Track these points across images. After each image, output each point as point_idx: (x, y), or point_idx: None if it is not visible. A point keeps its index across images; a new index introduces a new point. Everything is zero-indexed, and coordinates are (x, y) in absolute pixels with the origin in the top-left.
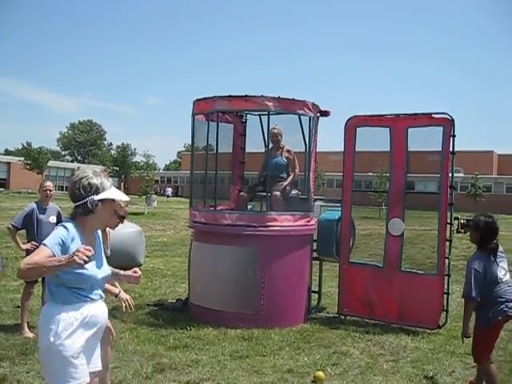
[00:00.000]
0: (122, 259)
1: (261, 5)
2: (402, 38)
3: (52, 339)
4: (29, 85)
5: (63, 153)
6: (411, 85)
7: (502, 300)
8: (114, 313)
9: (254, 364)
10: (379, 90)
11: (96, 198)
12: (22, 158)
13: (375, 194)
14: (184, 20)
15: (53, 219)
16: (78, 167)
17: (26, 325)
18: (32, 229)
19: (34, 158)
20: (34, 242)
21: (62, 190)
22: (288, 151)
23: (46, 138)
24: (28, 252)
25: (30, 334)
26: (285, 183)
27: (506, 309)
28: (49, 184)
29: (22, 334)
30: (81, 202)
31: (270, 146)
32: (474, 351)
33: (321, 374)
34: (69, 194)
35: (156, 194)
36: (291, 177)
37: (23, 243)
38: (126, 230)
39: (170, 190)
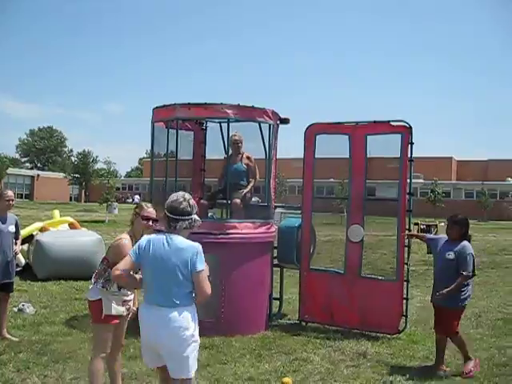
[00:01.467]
0: (81, 267)
1: (215, 12)
2: (361, 43)
3: (195, 333)
4: None
5: (23, 160)
6: (371, 91)
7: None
8: (71, 323)
9: (215, 372)
10: (339, 97)
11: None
12: None
13: (336, 201)
14: (143, 27)
15: (12, 228)
16: (38, 175)
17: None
18: None
19: None
20: None
21: (22, 197)
22: (248, 158)
23: (5, 145)
24: None
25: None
26: (245, 190)
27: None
28: (11, 194)
29: None
30: (187, 218)
31: (230, 152)
32: (451, 326)
33: (288, 379)
34: (173, 209)
35: (117, 201)
36: (251, 184)
37: None
38: (86, 238)
39: (137, 197)
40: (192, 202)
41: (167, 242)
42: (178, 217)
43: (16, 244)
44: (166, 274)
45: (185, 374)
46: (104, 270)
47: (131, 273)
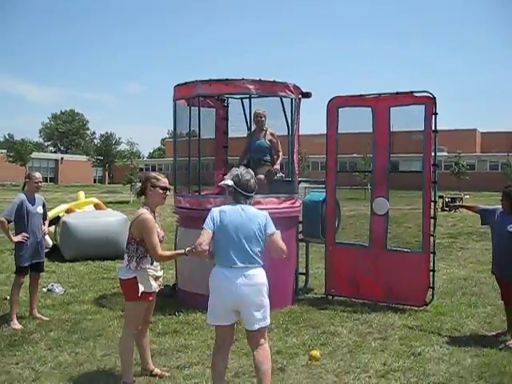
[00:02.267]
0: (107, 247)
1: None
2: (385, 18)
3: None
4: (6, 76)
5: (46, 144)
6: (394, 65)
7: None
8: (100, 301)
9: (243, 346)
10: (362, 71)
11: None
12: (5, 151)
13: (360, 175)
14: (164, 9)
15: (40, 209)
16: (62, 158)
17: (15, 316)
18: (22, 220)
19: (17, 150)
20: (24, 234)
21: (47, 181)
22: (271, 134)
23: (28, 130)
24: (19, 244)
25: (18, 326)
26: (275, 166)
27: None
28: (39, 176)
29: (10, 325)
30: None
31: (254, 128)
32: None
33: (316, 352)
34: (251, 185)
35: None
36: (279, 159)
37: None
38: (112, 219)
39: None
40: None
41: (242, 210)
42: (250, 194)
43: (44, 225)
44: (245, 238)
45: (266, 322)
46: (135, 250)
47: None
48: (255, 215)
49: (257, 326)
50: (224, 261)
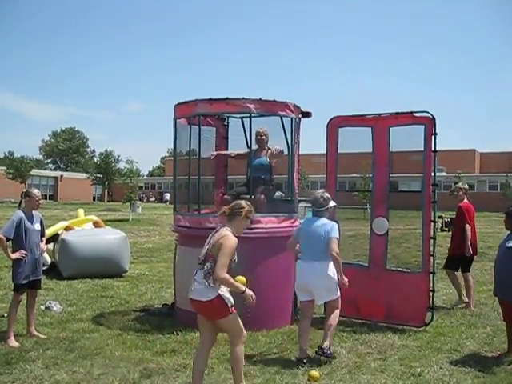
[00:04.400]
0: (106, 265)
1: (238, 3)
2: (388, 37)
3: (334, 273)
4: (5, 93)
5: (46, 161)
6: (394, 84)
7: None
8: (98, 320)
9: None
10: (361, 89)
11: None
12: (5, 168)
13: (359, 195)
14: (163, 23)
15: (38, 227)
16: (61, 175)
17: (12, 334)
18: (20, 238)
19: (17, 168)
20: (23, 251)
21: (46, 198)
22: (272, 154)
23: (28, 147)
24: (17, 262)
25: (15, 344)
26: (276, 147)
27: None
28: (39, 193)
29: (7, 343)
30: (325, 208)
31: (255, 147)
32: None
33: (315, 373)
34: (317, 204)
35: (140, 200)
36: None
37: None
38: (110, 237)
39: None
40: (326, 195)
41: (318, 220)
42: (320, 209)
43: (42, 241)
44: (317, 240)
45: (336, 295)
46: (212, 268)
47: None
48: (325, 224)
49: (327, 299)
50: (303, 256)
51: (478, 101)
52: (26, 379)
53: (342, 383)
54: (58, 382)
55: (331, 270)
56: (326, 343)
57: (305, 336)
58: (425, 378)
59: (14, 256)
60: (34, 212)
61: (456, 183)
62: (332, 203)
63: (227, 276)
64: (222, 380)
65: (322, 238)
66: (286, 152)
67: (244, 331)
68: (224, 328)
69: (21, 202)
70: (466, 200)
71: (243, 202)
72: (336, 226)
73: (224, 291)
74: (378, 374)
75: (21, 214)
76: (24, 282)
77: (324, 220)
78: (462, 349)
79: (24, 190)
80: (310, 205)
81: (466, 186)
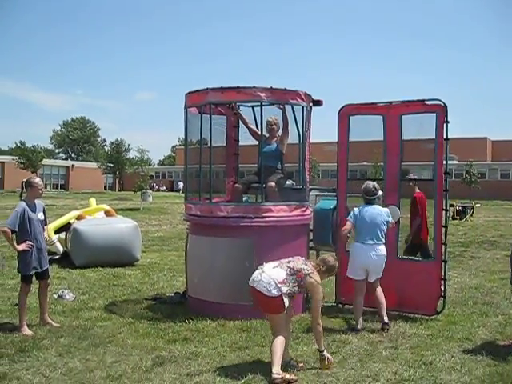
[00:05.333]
0: (118, 254)
1: None
2: (397, 23)
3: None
4: (17, 83)
5: (57, 151)
6: (405, 72)
7: None
8: (110, 308)
9: (254, 355)
10: (373, 77)
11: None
12: (16, 158)
13: None
14: (173, 12)
15: (41, 216)
16: (73, 165)
17: (24, 323)
18: (25, 228)
19: (28, 157)
20: (28, 242)
21: (57, 188)
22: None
23: (39, 136)
24: (23, 252)
25: (28, 332)
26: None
27: None
28: (41, 182)
29: (20, 331)
30: (376, 196)
31: (267, 135)
32: None
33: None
34: (369, 193)
35: (151, 189)
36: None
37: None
38: (122, 225)
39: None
40: (376, 185)
41: (372, 207)
42: (372, 197)
43: (44, 230)
44: (375, 225)
45: (381, 274)
46: (296, 286)
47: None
48: (380, 210)
49: (376, 277)
50: (360, 239)
51: (490, 90)
52: (40, 367)
53: (353, 371)
54: (71, 370)
55: (386, 251)
56: (386, 318)
57: (361, 310)
58: (436, 367)
59: (20, 247)
60: (36, 201)
61: (467, 171)
62: (380, 192)
63: (320, 323)
64: (233, 368)
65: (381, 223)
66: (296, 140)
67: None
68: (273, 321)
69: (22, 192)
70: (417, 190)
71: (335, 263)
72: (389, 211)
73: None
74: (390, 362)
75: (23, 204)
76: (31, 272)
77: (379, 207)
78: (473, 337)
79: (25, 180)
80: (321, 193)
81: (416, 177)
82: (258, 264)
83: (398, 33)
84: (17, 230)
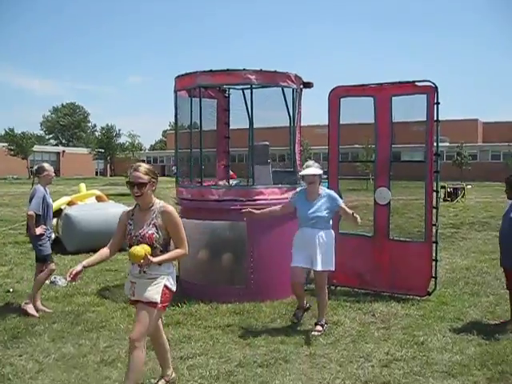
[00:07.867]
0: (110, 239)
1: None
2: (387, 5)
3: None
4: (6, 69)
5: (47, 137)
6: (396, 54)
7: None
8: (103, 293)
9: (247, 337)
10: (364, 59)
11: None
12: (6, 144)
13: (362, 165)
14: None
15: (52, 202)
16: (63, 151)
17: (35, 301)
18: (43, 213)
19: (18, 144)
20: (44, 226)
21: None
22: None
23: (29, 123)
24: (40, 236)
25: (33, 312)
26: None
27: None
28: (51, 167)
29: (25, 308)
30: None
31: None
32: None
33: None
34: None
35: None
36: None
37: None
38: (113, 210)
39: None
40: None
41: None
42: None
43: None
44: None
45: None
46: None
47: None
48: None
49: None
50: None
51: (480, 72)
52: (33, 353)
53: (345, 352)
54: (64, 355)
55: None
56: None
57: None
58: (428, 347)
59: (38, 231)
60: (46, 187)
61: (459, 153)
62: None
63: None
64: (226, 350)
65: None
66: (287, 123)
67: None
68: None
69: (33, 179)
70: None
71: None
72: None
73: None
74: (382, 342)
75: (42, 189)
76: (50, 251)
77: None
78: (464, 317)
79: (36, 167)
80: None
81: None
82: (251, 246)
83: (388, 19)
84: (40, 213)
